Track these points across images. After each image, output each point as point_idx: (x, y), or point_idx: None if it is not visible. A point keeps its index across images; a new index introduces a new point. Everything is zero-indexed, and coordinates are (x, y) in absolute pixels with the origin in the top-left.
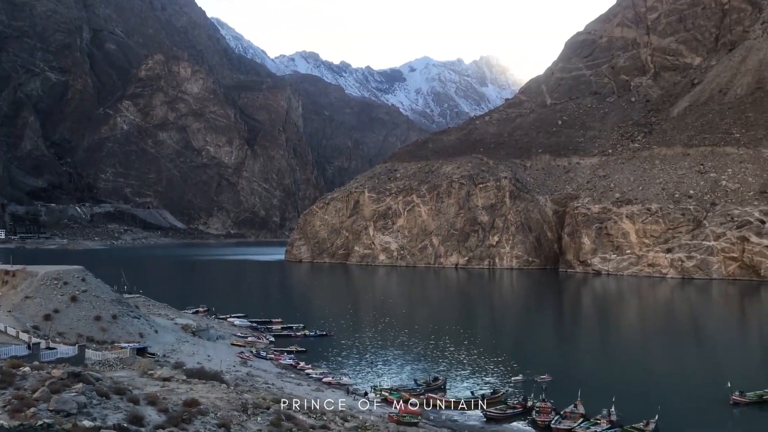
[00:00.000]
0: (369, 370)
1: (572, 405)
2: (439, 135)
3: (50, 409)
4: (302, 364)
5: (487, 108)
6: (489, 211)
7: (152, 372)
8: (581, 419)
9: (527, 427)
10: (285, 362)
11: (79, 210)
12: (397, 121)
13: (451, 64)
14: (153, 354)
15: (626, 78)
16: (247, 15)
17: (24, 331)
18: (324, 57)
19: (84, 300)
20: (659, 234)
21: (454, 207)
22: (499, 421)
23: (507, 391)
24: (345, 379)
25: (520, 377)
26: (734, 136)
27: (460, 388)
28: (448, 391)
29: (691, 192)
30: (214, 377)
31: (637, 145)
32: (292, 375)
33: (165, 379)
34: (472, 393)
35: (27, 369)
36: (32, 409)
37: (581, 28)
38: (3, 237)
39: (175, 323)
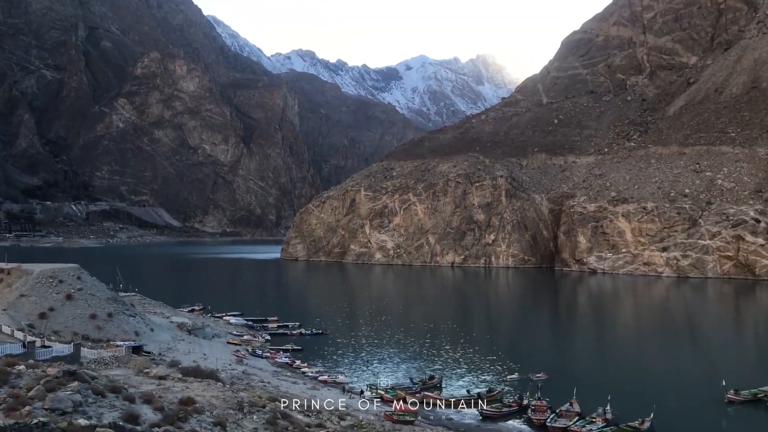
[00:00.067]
0: (365, 368)
1: (568, 403)
2: (435, 134)
3: (45, 407)
4: (298, 362)
5: (483, 107)
6: (485, 209)
7: (148, 370)
8: (577, 417)
9: (523, 426)
10: (281, 361)
11: (74, 208)
12: (394, 120)
13: (448, 63)
14: (149, 352)
15: (622, 77)
16: (243, 13)
17: (19, 330)
18: (320, 55)
19: (79, 298)
20: (655, 233)
21: (451, 205)
22: (494, 420)
23: (503, 389)
24: (341, 378)
25: (515, 376)
26: (730, 136)
27: (455, 387)
28: (443, 390)
29: (687, 191)
30: (210, 376)
31: (633, 144)
32: (288, 373)
33: (161, 378)
34: (468, 391)
35: (22, 367)
36: (27, 408)
37: (578, 26)
38: None
39: (171, 321)
